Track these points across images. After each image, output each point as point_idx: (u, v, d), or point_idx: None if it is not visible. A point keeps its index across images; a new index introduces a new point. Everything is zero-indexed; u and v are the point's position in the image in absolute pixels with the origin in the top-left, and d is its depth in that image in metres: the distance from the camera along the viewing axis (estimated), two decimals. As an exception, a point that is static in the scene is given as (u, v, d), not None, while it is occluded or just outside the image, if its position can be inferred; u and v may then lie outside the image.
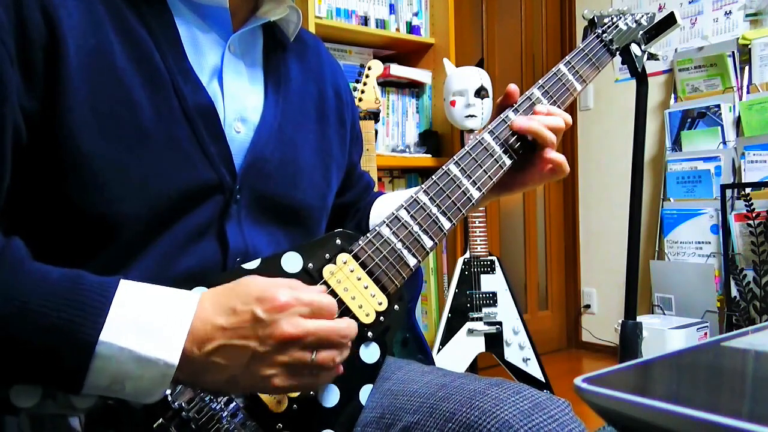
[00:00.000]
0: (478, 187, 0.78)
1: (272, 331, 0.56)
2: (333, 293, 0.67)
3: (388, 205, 0.91)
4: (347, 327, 0.61)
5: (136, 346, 0.52)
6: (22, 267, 0.53)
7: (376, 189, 1.01)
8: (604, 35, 0.96)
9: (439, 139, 2.36)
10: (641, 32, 1.04)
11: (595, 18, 0.99)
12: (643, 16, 1.05)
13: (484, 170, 0.79)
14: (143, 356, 0.52)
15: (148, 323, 0.54)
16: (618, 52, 0.99)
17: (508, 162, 0.81)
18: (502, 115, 0.83)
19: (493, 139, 0.81)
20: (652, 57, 1.06)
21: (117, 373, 0.52)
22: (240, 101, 0.71)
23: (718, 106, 2.49)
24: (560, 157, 0.81)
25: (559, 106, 0.86)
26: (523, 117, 0.82)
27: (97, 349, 0.51)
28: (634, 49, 1.02)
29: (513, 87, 0.82)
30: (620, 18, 1.01)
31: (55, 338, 0.51)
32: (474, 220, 2.14)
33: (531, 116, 0.82)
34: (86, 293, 0.53)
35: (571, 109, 3.17)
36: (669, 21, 1.04)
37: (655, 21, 1.05)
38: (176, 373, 0.54)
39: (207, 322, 0.56)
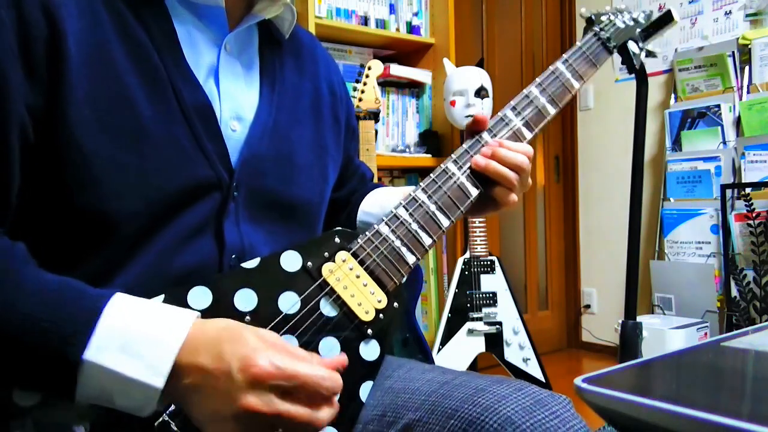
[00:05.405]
0: (475, 183, 0.79)
1: (238, 395, 0.52)
2: (332, 291, 0.68)
3: (378, 201, 0.91)
4: (328, 416, 0.55)
5: (120, 367, 0.52)
6: (19, 272, 0.54)
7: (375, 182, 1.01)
8: (601, 33, 0.96)
9: (439, 139, 2.36)
10: (638, 30, 1.04)
11: (593, 16, 1.00)
12: (640, 14, 1.06)
13: None
14: (128, 378, 0.52)
15: (137, 344, 0.53)
16: (615, 50, 0.99)
17: None
18: (499, 114, 0.83)
19: (491, 138, 0.81)
20: (650, 54, 1.07)
21: (103, 389, 0.52)
22: (236, 100, 0.72)
23: (718, 106, 2.49)
24: (514, 200, 0.79)
25: (557, 104, 0.87)
26: (479, 156, 0.78)
27: (81, 367, 0.51)
28: (632, 46, 1.03)
29: (481, 116, 0.80)
30: (617, 16, 1.02)
31: (43, 349, 0.51)
32: (474, 220, 2.14)
33: (492, 151, 0.78)
34: (76, 308, 0.53)
35: (571, 109, 3.17)
36: (666, 19, 1.04)
37: (652, 19, 1.06)
38: (163, 394, 0.53)
39: (192, 356, 0.54)
